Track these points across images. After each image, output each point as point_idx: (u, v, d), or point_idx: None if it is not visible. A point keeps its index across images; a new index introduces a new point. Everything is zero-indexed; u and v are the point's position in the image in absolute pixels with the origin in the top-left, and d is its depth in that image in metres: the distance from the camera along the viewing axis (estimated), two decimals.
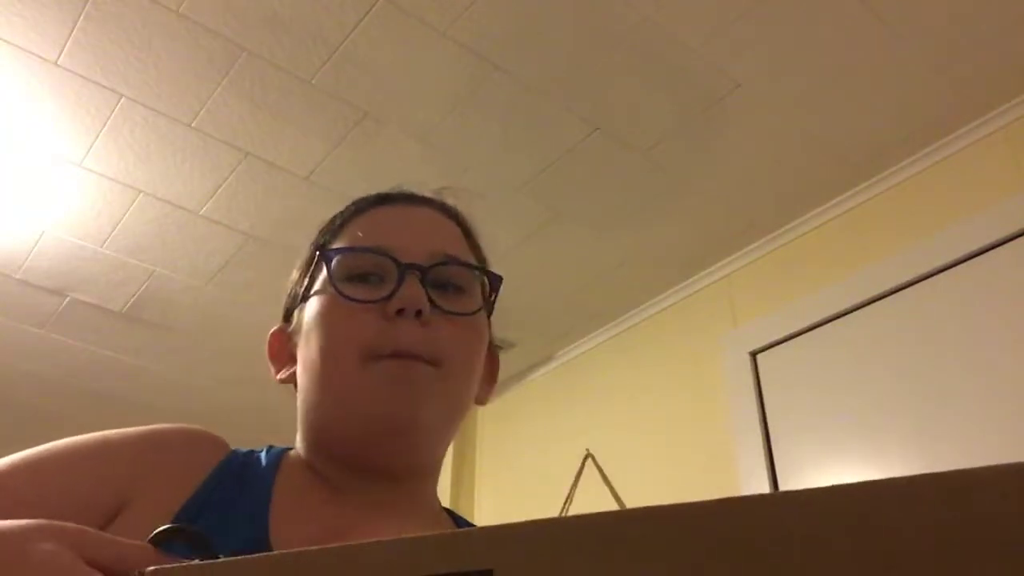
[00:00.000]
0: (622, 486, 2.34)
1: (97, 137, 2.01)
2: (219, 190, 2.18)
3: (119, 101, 1.92)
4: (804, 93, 1.87)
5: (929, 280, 1.90)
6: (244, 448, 0.70)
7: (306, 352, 0.69)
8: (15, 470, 0.59)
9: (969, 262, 1.84)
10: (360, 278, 0.68)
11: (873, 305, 1.99)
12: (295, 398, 0.72)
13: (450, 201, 0.78)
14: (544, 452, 2.62)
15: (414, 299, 0.65)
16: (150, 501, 0.59)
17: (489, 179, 2.09)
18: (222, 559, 0.33)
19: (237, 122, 1.98)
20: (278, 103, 1.92)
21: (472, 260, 0.73)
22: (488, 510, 2.76)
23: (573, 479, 2.46)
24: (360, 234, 0.71)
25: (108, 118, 1.96)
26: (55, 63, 1.82)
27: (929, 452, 1.75)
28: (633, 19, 1.71)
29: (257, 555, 0.32)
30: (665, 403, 2.40)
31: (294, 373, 0.72)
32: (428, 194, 0.78)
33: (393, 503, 0.67)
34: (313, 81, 1.87)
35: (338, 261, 0.69)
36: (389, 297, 0.65)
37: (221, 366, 2.92)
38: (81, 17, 1.73)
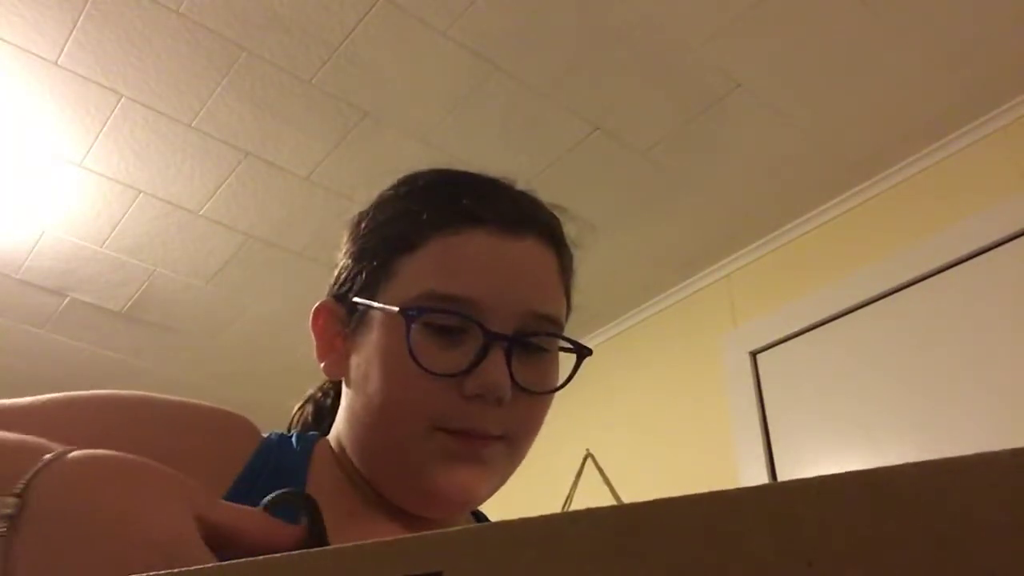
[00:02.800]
0: (622, 486, 2.34)
1: (97, 137, 2.01)
2: (219, 190, 2.18)
3: (119, 101, 1.92)
4: (804, 93, 1.87)
5: (929, 280, 1.90)
6: (275, 433, 0.67)
7: (364, 387, 0.63)
8: (72, 405, 0.59)
9: (969, 262, 1.84)
10: (439, 329, 0.61)
11: (873, 305, 2.00)
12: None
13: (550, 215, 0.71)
14: (544, 452, 2.62)
15: (495, 386, 0.60)
16: None
17: None
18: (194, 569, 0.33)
19: (237, 122, 1.98)
20: (278, 103, 1.92)
21: (563, 304, 0.69)
22: (488, 510, 2.76)
23: (573, 479, 2.46)
24: (447, 269, 0.63)
25: (108, 118, 1.96)
26: (55, 63, 1.82)
27: (929, 452, 1.75)
28: (633, 19, 1.71)
29: (207, 566, 0.32)
30: (665, 403, 2.40)
31: (340, 371, 0.67)
32: (528, 203, 0.71)
33: (422, 520, 0.65)
34: (313, 81, 1.87)
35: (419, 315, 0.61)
36: (468, 371, 0.60)
37: (221, 365, 2.92)
38: (81, 17, 1.73)
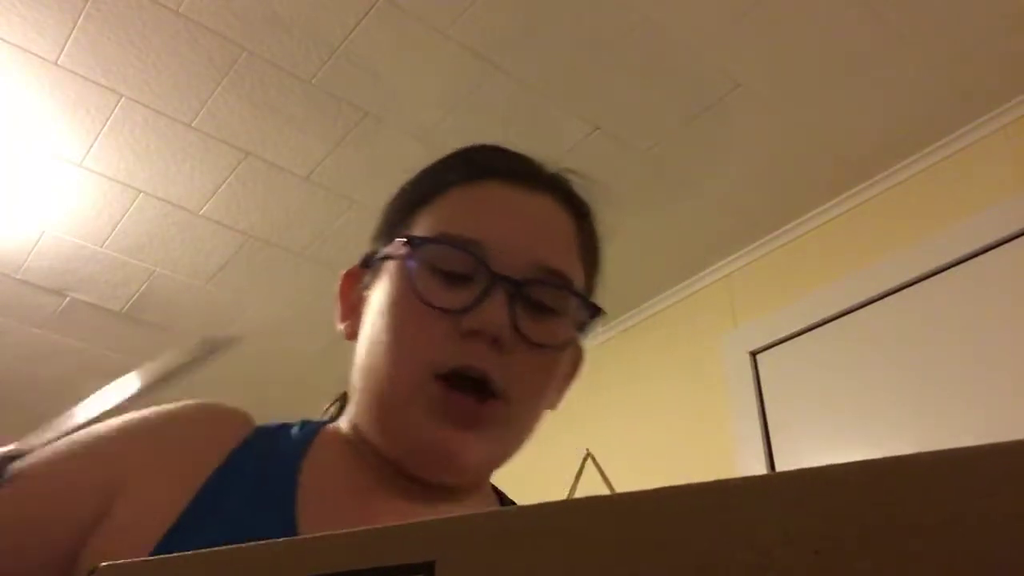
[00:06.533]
0: (622, 486, 2.34)
1: (97, 137, 2.01)
2: (219, 190, 2.18)
3: (119, 101, 1.92)
4: (804, 93, 1.86)
5: (929, 280, 1.90)
6: (277, 422, 0.65)
7: (370, 336, 0.62)
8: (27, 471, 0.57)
9: (969, 262, 1.84)
10: (445, 273, 0.60)
11: (873, 305, 1.99)
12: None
13: (574, 182, 0.70)
14: (544, 452, 2.62)
15: (493, 323, 0.58)
16: (145, 492, 0.56)
17: None
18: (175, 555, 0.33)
19: (237, 122, 1.98)
20: (278, 103, 1.92)
21: (578, 271, 0.66)
22: None
23: (573, 479, 2.46)
24: (459, 214, 0.63)
25: (108, 118, 1.96)
26: (55, 63, 1.82)
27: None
28: (633, 19, 1.71)
29: (198, 551, 0.32)
30: (665, 403, 2.40)
31: (356, 331, 0.66)
32: (551, 170, 0.69)
33: (436, 497, 0.62)
34: (313, 81, 1.87)
35: (425, 249, 0.61)
36: (467, 310, 0.58)
37: (221, 366, 2.92)
38: (81, 17, 1.73)
